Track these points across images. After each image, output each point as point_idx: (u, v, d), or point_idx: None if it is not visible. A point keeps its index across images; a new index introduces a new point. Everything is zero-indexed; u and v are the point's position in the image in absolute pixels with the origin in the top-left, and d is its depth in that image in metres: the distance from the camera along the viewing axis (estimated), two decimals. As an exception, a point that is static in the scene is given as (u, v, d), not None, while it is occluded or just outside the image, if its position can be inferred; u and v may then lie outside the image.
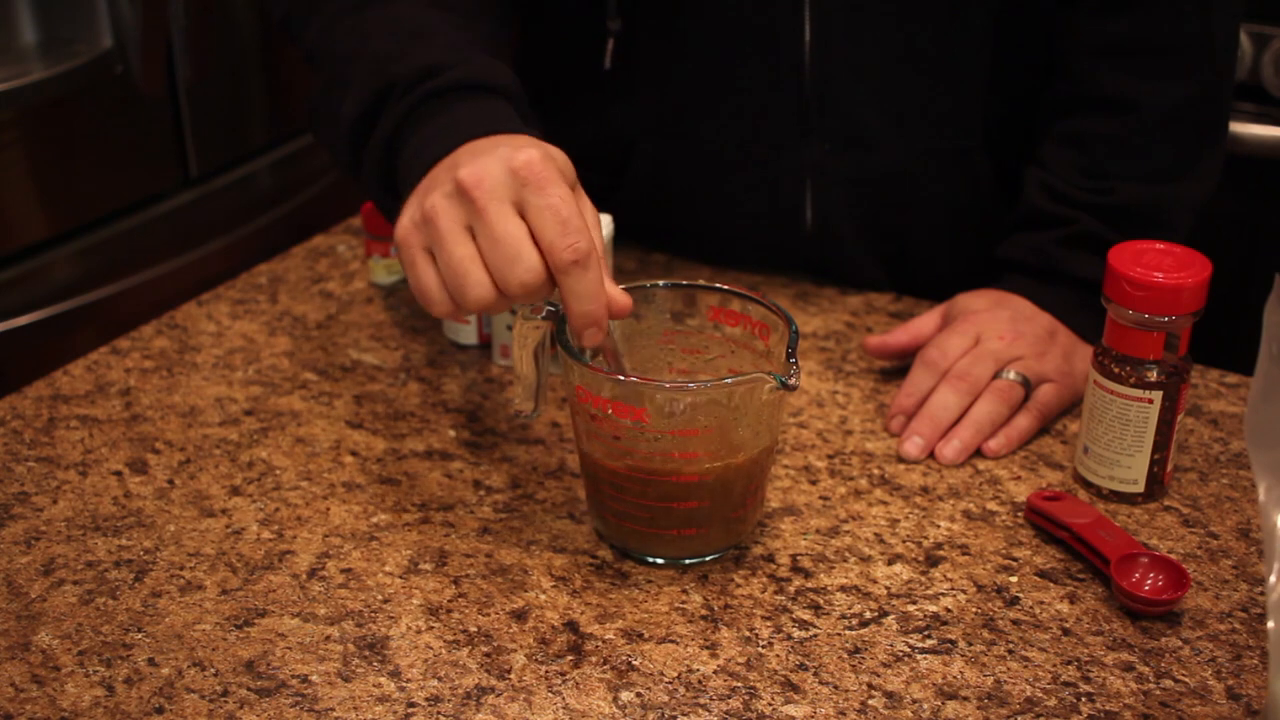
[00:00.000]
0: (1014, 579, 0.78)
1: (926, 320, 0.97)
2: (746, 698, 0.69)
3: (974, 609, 0.75)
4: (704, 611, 0.75)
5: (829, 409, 0.93)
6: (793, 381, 0.71)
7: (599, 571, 0.78)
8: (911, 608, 0.75)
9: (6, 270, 1.55)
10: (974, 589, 0.77)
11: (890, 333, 0.97)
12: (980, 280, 1.00)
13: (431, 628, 0.73)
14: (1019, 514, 0.83)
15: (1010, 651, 0.72)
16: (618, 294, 0.73)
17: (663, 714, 0.68)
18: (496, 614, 0.74)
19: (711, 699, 0.69)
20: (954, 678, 0.70)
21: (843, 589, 0.77)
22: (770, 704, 0.68)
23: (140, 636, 0.73)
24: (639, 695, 0.69)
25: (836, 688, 0.70)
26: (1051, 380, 0.92)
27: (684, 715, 0.68)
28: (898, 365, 0.98)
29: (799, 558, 0.79)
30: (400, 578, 0.77)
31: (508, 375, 0.97)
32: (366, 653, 0.71)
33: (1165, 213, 0.97)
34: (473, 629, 0.73)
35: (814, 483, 0.86)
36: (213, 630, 0.73)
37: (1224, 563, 0.79)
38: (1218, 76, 0.98)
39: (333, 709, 0.68)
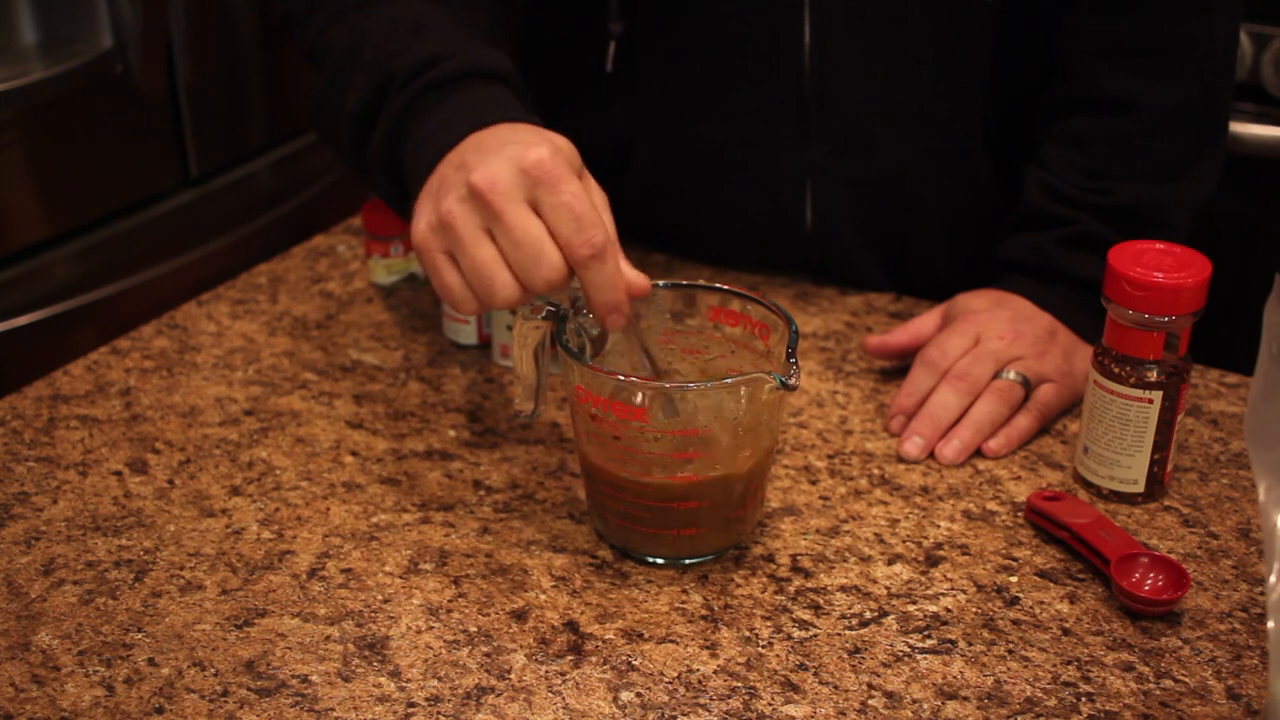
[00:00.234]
0: (1014, 579, 0.78)
1: (926, 320, 0.97)
2: (746, 698, 0.69)
3: (974, 609, 0.75)
4: (704, 611, 0.75)
5: (829, 409, 0.93)
6: (793, 381, 0.71)
7: (599, 571, 0.78)
8: (911, 608, 0.75)
9: (6, 270, 1.54)
10: (974, 589, 0.77)
11: (890, 333, 0.97)
12: (980, 280, 1.00)
13: (431, 628, 0.73)
14: (1019, 514, 0.83)
15: (1010, 651, 0.72)
16: (635, 276, 0.74)
17: (663, 714, 0.68)
18: (496, 614, 0.74)
19: (711, 699, 0.69)
20: (954, 678, 0.70)
21: (843, 589, 0.77)
22: (770, 704, 0.68)
23: (140, 636, 0.73)
24: (639, 695, 0.69)
25: (836, 688, 0.70)
26: (1051, 380, 0.92)
27: (684, 715, 0.68)
28: (898, 365, 0.98)
29: (799, 558, 0.79)
30: (400, 578, 0.77)
31: (508, 375, 0.97)
32: (366, 653, 0.71)
33: (1165, 213, 0.97)
34: (473, 629, 0.73)
35: (814, 483, 0.86)
36: (213, 630, 0.73)
37: (1224, 563, 0.79)
38: (1218, 77, 0.98)
39: (333, 709, 0.68)
